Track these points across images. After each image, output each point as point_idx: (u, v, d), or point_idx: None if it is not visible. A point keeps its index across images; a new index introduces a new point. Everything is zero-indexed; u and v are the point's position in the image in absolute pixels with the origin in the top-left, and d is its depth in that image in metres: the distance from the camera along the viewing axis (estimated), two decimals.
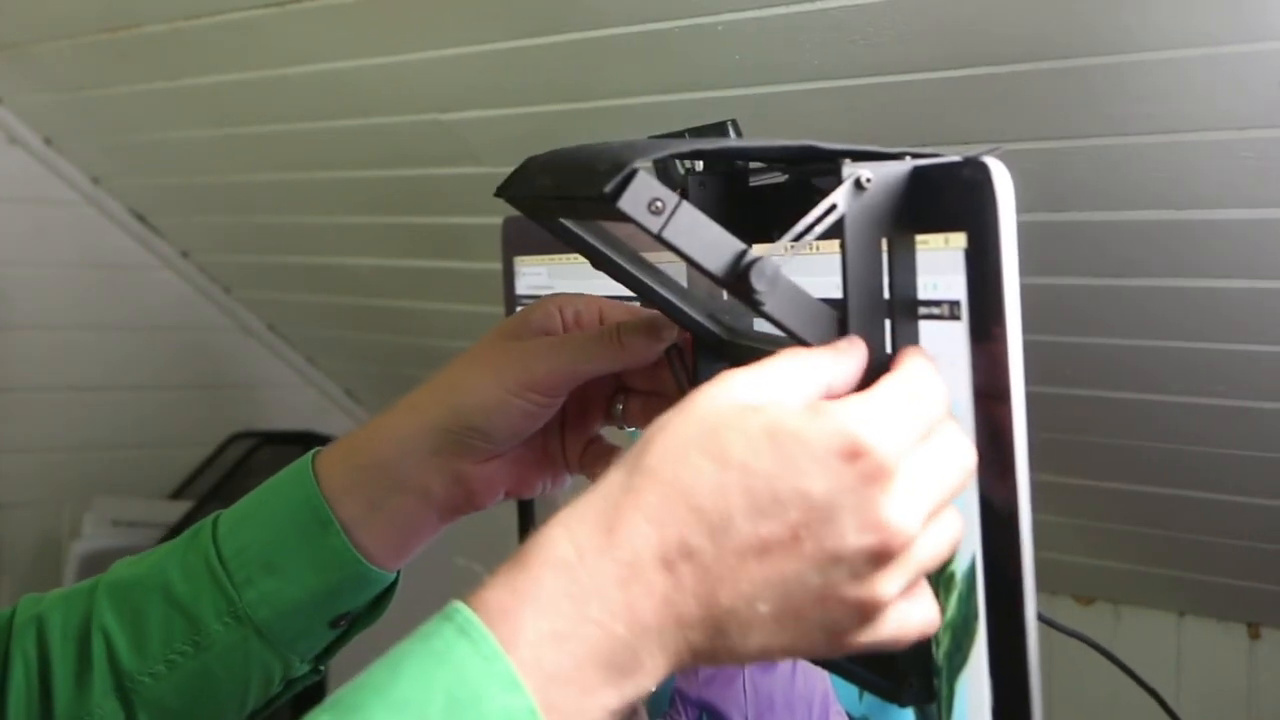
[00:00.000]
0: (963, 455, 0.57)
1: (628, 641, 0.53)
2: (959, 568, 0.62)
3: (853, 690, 0.75)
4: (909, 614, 0.56)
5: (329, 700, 0.52)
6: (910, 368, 0.57)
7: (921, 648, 0.64)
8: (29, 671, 0.77)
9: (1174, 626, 1.70)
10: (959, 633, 0.62)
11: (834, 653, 0.56)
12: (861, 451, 0.53)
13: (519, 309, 0.81)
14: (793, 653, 0.55)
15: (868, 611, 0.54)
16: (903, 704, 0.66)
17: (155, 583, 0.76)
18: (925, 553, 0.55)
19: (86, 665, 0.76)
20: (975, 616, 0.61)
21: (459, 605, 0.53)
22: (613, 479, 0.55)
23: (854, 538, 0.53)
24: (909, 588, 0.56)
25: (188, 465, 2.35)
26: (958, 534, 0.57)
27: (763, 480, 0.53)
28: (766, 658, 0.55)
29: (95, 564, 2.03)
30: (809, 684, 0.80)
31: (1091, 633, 0.87)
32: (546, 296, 0.80)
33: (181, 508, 2.20)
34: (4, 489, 2.25)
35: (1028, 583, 0.58)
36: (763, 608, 0.54)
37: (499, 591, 0.53)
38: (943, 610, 0.63)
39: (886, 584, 0.54)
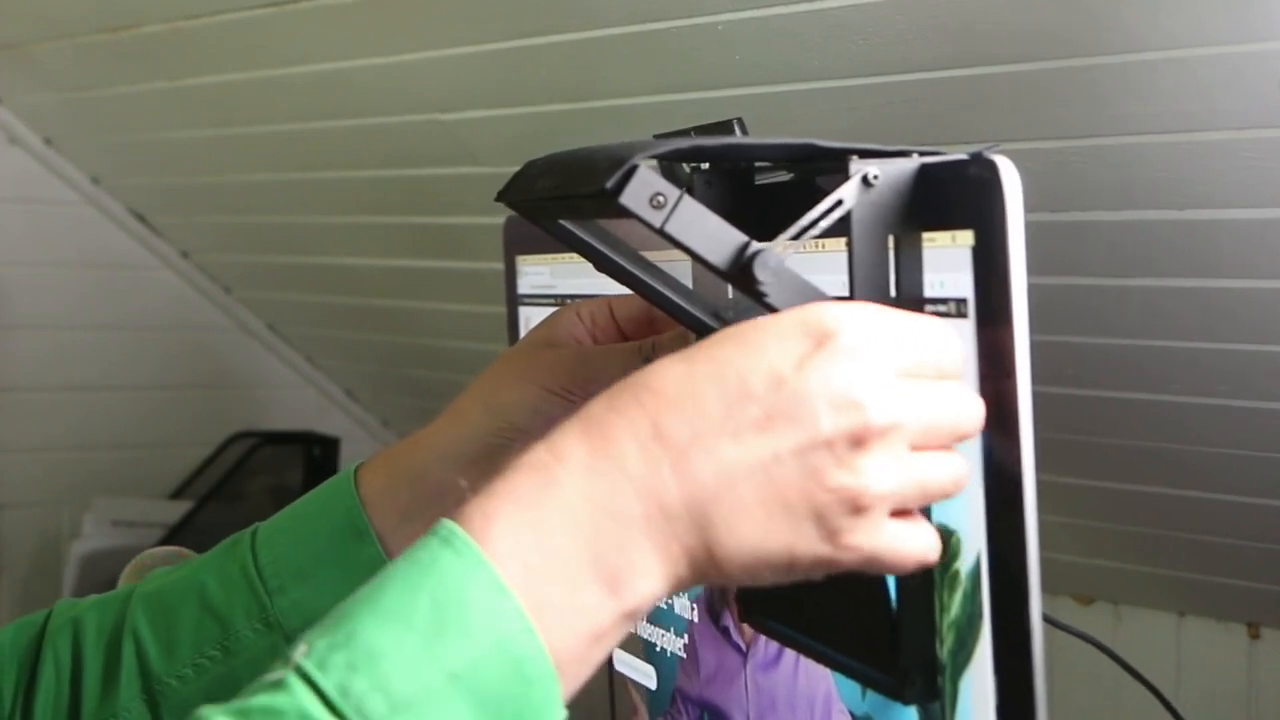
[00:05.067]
0: (963, 398, 0.57)
1: (612, 534, 0.53)
2: (964, 566, 0.62)
3: (855, 688, 0.75)
4: (907, 535, 0.56)
5: (320, 620, 0.52)
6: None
7: (925, 645, 0.64)
8: (60, 673, 0.77)
9: (1174, 626, 1.70)
10: (963, 631, 0.62)
11: (834, 555, 0.54)
12: (827, 333, 0.54)
13: (545, 318, 0.82)
14: (791, 554, 0.54)
15: (857, 503, 0.54)
16: (906, 702, 0.66)
17: (190, 587, 0.77)
18: (921, 469, 0.55)
19: (115, 667, 0.76)
20: (980, 615, 0.61)
21: (444, 520, 0.53)
22: (592, 401, 0.56)
23: (829, 419, 0.53)
24: (903, 500, 0.55)
25: (188, 465, 2.35)
26: (961, 475, 0.57)
27: (730, 366, 0.54)
28: (763, 561, 0.54)
29: (95, 564, 2.03)
30: (811, 682, 0.80)
31: (1091, 632, 0.87)
32: (563, 307, 0.81)
33: (181, 508, 2.20)
34: (4, 489, 2.25)
35: (1033, 581, 0.58)
36: (744, 491, 0.53)
37: (479, 500, 0.54)
38: (947, 608, 0.63)
39: (872, 473, 0.53)
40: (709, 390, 0.54)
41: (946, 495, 0.57)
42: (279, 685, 0.49)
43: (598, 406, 0.55)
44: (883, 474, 0.54)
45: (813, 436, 0.53)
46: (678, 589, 0.55)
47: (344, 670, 0.49)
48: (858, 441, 0.53)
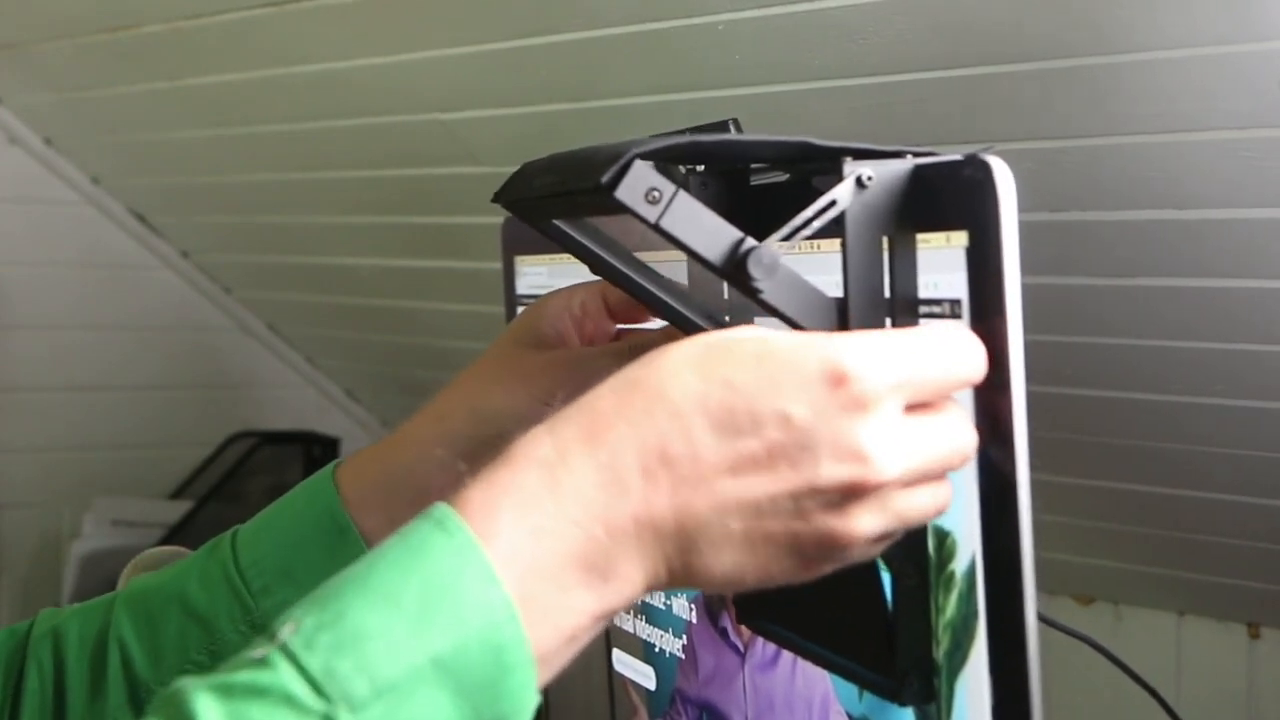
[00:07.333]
0: (961, 432, 0.57)
1: (604, 544, 0.53)
2: (959, 567, 0.62)
3: (852, 690, 0.75)
4: (875, 549, 0.57)
5: (308, 596, 0.52)
6: (933, 326, 0.58)
7: (921, 647, 0.64)
8: (44, 682, 0.76)
9: (1174, 626, 1.70)
10: (959, 632, 0.62)
11: (805, 576, 0.56)
12: (845, 379, 0.54)
13: (522, 309, 0.81)
14: (764, 578, 0.56)
15: (839, 544, 0.55)
16: (902, 703, 0.66)
17: (172, 593, 0.76)
18: (906, 506, 0.56)
19: (101, 676, 0.75)
20: (975, 616, 0.61)
21: (439, 504, 0.54)
22: (601, 388, 0.56)
23: (829, 468, 0.53)
24: (885, 535, 0.56)
25: (188, 465, 2.35)
26: (945, 503, 0.57)
27: (743, 398, 0.54)
28: (737, 582, 0.56)
29: (95, 564, 2.03)
30: (809, 684, 0.80)
31: (1091, 633, 0.87)
32: (549, 294, 0.80)
33: (181, 508, 2.20)
34: (4, 489, 2.25)
35: (1028, 582, 0.58)
36: (734, 525, 0.54)
37: (479, 488, 0.54)
38: (943, 610, 0.63)
39: (860, 521, 0.54)
40: (719, 418, 0.54)
41: (926, 522, 0.58)
42: (263, 663, 0.49)
43: (605, 401, 0.55)
44: (871, 521, 0.55)
45: (810, 482, 0.54)
46: (653, 592, 0.56)
47: (329, 651, 0.49)
48: (853, 492, 0.54)
